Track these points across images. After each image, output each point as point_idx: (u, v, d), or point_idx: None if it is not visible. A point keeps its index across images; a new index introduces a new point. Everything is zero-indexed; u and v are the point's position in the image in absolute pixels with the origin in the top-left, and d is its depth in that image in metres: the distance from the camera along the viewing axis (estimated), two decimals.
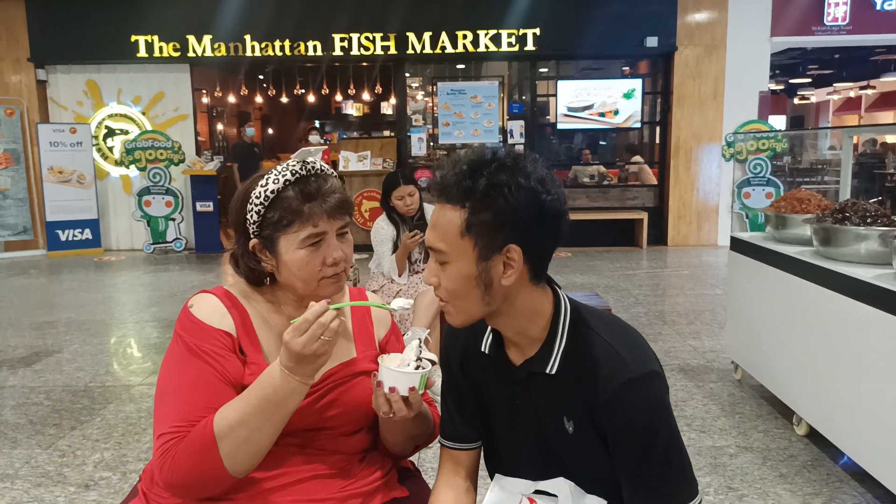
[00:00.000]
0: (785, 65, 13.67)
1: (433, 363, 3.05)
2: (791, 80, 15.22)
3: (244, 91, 12.34)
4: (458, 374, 1.27)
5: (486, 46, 8.38)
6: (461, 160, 1.07)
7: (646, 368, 1.05)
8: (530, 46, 8.37)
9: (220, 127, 13.88)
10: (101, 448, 3.03)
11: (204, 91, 11.75)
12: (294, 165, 1.24)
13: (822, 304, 2.67)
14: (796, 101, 17.39)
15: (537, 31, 8.32)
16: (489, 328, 1.20)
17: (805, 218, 3.03)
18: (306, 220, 1.21)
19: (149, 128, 8.84)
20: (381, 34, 8.37)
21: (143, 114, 8.88)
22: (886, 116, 16.31)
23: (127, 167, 8.73)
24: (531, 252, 1.06)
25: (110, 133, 8.92)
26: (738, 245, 3.56)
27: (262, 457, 1.16)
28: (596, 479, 1.13)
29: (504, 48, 8.39)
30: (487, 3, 8.31)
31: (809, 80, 15.12)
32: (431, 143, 8.99)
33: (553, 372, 1.10)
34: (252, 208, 1.24)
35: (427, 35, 8.36)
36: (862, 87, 15.15)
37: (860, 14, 8.19)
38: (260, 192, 1.23)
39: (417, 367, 1.15)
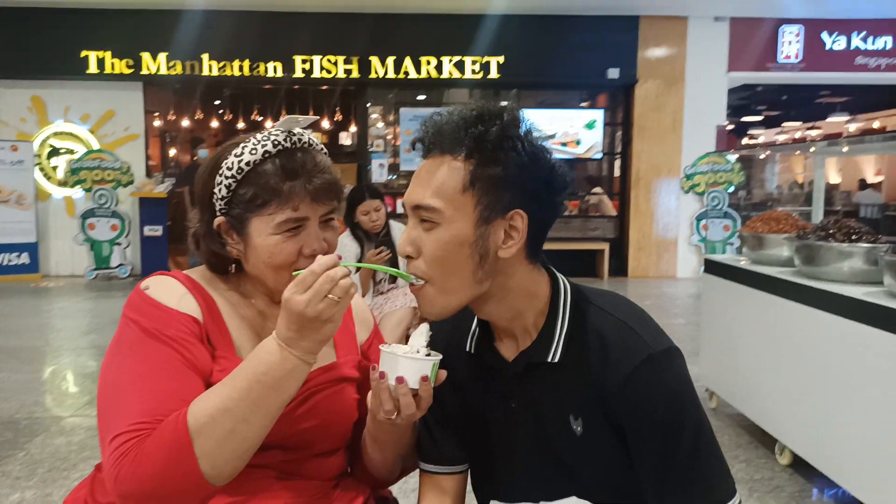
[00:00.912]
0: (735, 105, 14.06)
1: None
2: (743, 119, 15.67)
3: (199, 115, 12.01)
4: (446, 384, 1.07)
5: (450, 73, 8.34)
6: (466, 108, 0.91)
7: (665, 344, 0.91)
8: (494, 74, 8.36)
9: (172, 152, 13.46)
10: (21, 486, 2.69)
11: (157, 113, 11.38)
12: (277, 135, 1.04)
13: (809, 324, 2.56)
14: (745, 140, 17.92)
15: (501, 59, 8.32)
16: (474, 324, 1.03)
17: (787, 237, 2.95)
18: (285, 201, 1.02)
19: (96, 147, 8.45)
20: (344, 57, 8.24)
21: (92, 132, 8.49)
22: (832, 159, 16.93)
23: (71, 187, 8.30)
24: (534, 222, 0.91)
25: (54, 152, 8.48)
26: (713, 267, 3.46)
27: (247, 459, 0.93)
28: (614, 491, 0.94)
29: (468, 75, 8.36)
30: (452, 30, 8.29)
31: (761, 117, 15.60)
32: (391, 176, 8.83)
33: (556, 360, 0.94)
34: (222, 181, 1.04)
35: (391, 59, 8.27)
36: (809, 128, 15.69)
37: (812, 52, 8.46)
38: (233, 163, 1.03)
39: (428, 355, 0.95)
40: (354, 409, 1.14)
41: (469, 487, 1.12)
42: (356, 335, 1.20)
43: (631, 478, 0.93)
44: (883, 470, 2.18)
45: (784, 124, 16.33)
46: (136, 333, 0.99)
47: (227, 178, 1.04)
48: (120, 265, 8.27)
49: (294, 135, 1.05)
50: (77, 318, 6.07)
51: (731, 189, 8.62)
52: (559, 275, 1.00)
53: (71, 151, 8.46)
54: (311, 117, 1.07)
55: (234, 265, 1.12)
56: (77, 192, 8.36)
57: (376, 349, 1.19)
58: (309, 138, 1.07)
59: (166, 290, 1.04)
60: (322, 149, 1.10)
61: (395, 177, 8.89)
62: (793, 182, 16.87)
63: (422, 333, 0.96)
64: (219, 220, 1.06)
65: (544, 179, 0.91)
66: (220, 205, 1.06)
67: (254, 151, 1.03)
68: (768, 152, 16.39)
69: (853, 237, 2.54)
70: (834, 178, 15.52)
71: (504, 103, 0.92)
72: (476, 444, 1.06)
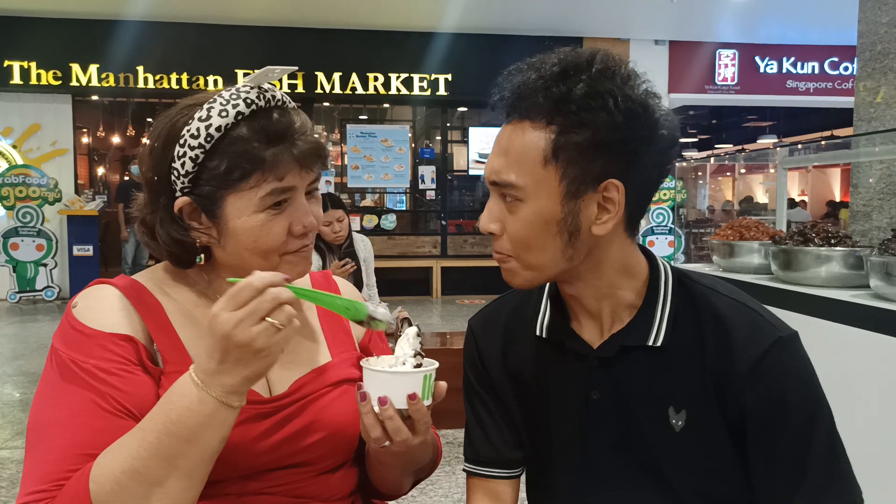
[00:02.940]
0: None
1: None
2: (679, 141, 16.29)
3: (132, 131, 11.51)
4: (496, 374, 0.94)
5: (398, 89, 8.25)
6: (548, 61, 0.78)
7: (789, 329, 0.81)
8: (442, 91, 8.32)
9: (101, 170, 12.83)
10: None
11: (87, 129, 10.83)
12: (248, 92, 0.86)
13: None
14: (677, 164, 18.59)
15: (449, 76, 8.30)
16: (544, 304, 0.91)
17: (761, 243, 2.95)
18: (268, 170, 0.84)
19: (20, 162, 7.92)
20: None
21: (14, 147, 7.96)
22: (756, 178, 17.76)
23: None
24: (634, 191, 0.79)
25: None
26: None
27: None
28: (705, 497, 0.83)
29: (416, 92, 8.29)
30: (400, 47, 8.22)
31: (695, 139, 16.23)
32: (336, 192, 8.64)
33: (659, 344, 0.82)
34: (185, 153, 0.85)
35: (337, 75, 8.12)
36: (738, 151, 16.40)
37: (746, 75, 8.82)
38: (199, 130, 0.84)
39: (418, 366, 0.80)
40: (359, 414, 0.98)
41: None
42: (352, 330, 1.04)
43: (727, 480, 0.82)
44: (875, 474, 2.15)
45: (716, 147, 17.02)
46: (54, 370, 0.83)
47: (192, 148, 0.85)
48: (46, 287, 7.72)
49: (267, 91, 0.88)
50: (0, 344, 5.59)
51: (672, 206, 8.82)
52: (654, 253, 0.89)
53: None
54: (288, 67, 0.88)
55: (202, 255, 0.94)
56: None
57: (377, 343, 1.06)
58: (283, 96, 0.90)
59: (97, 305, 0.87)
60: (295, 106, 0.93)
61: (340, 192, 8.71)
62: (725, 201, 17.54)
63: (409, 339, 0.82)
64: (182, 200, 0.87)
65: (645, 138, 0.77)
66: (182, 182, 0.86)
67: (224, 114, 0.84)
68: (701, 173, 17.04)
69: (832, 241, 2.55)
70: (761, 198, 16.22)
71: (593, 49, 0.79)
72: (539, 443, 0.92)
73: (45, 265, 7.73)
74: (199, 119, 0.85)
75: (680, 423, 0.82)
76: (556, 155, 0.76)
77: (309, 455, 0.89)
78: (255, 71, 0.87)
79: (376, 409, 0.77)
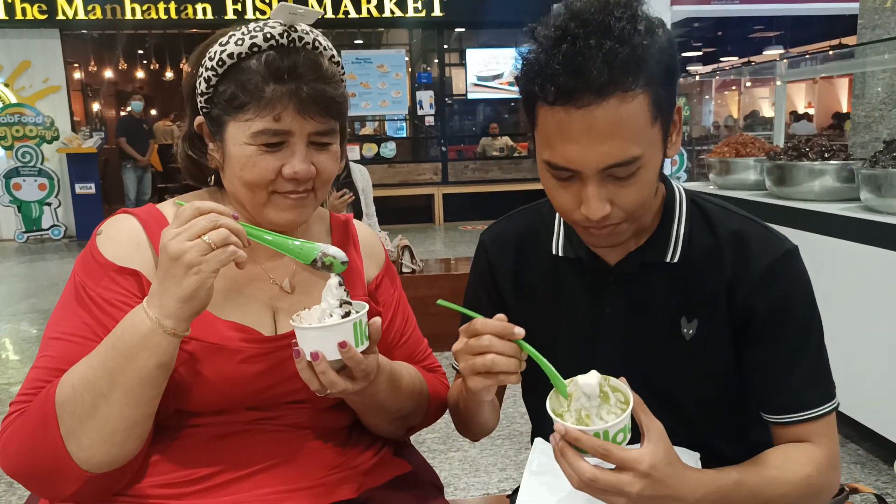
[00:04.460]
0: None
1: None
2: (683, 55, 15.84)
3: (123, 65, 11.27)
4: (507, 287, 0.99)
5: (392, 11, 8.02)
6: (594, 30, 0.73)
7: (793, 243, 0.88)
8: (437, 12, 8.09)
9: (96, 107, 12.66)
10: None
11: (77, 64, 10.62)
12: (273, 27, 0.87)
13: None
14: (681, 79, 18.12)
15: None
16: (558, 224, 0.95)
17: (756, 160, 2.95)
18: (264, 107, 0.85)
19: (14, 101, 7.83)
20: None
21: (6, 85, 7.86)
22: (763, 91, 17.35)
23: None
24: None
25: None
26: None
27: (125, 441, 0.80)
28: (707, 404, 0.91)
29: (410, 13, 8.06)
30: None
31: (700, 53, 15.80)
32: None
33: (676, 260, 0.89)
34: (203, 72, 0.89)
35: None
36: (744, 63, 15.99)
37: None
38: (215, 53, 0.88)
39: (347, 315, 0.81)
40: None
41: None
42: (363, 271, 1.05)
43: (725, 386, 0.90)
44: (883, 387, 2.24)
45: (721, 59, 16.58)
46: (69, 289, 0.89)
47: (207, 69, 0.88)
48: (53, 226, 7.80)
49: (295, 31, 0.88)
50: (11, 284, 5.70)
51: None
52: (666, 175, 0.93)
53: None
54: (314, 11, 0.90)
55: (212, 177, 0.98)
56: None
57: (387, 288, 1.08)
58: (315, 39, 0.90)
59: (115, 235, 0.91)
60: (332, 55, 0.92)
61: None
62: (727, 116, 17.23)
63: (332, 290, 0.82)
64: (199, 119, 0.93)
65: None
66: (201, 102, 0.91)
67: (240, 42, 0.87)
68: (704, 87, 16.66)
69: (826, 155, 2.55)
70: (767, 111, 15.92)
71: None
72: (543, 354, 0.97)
73: (49, 204, 7.77)
74: (220, 44, 0.88)
75: (691, 331, 0.88)
76: (659, 109, 0.76)
77: (306, 394, 0.91)
78: (283, 3, 0.87)
79: (312, 363, 0.79)
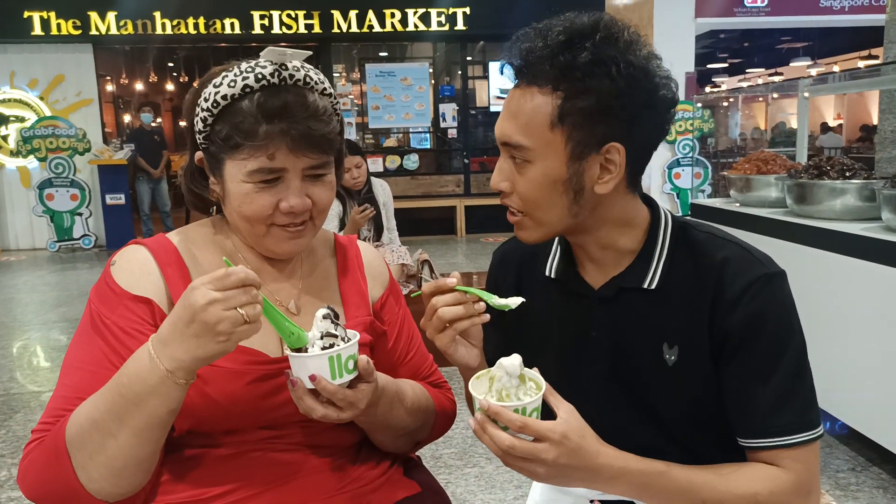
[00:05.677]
0: (699, 53, 14.04)
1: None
2: (708, 66, 15.71)
3: (153, 78, 11.53)
4: (508, 311, 1.02)
5: (416, 25, 8.11)
6: (554, 28, 0.83)
7: (778, 268, 0.89)
8: (461, 26, 8.15)
9: (127, 118, 12.93)
10: (7, 465, 2.59)
11: (109, 77, 10.89)
12: (264, 67, 0.90)
13: (804, 262, 2.56)
14: (708, 89, 18.00)
15: (467, 10, 8.11)
16: (555, 247, 0.99)
17: (777, 177, 2.94)
18: (259, 147, 0.89)
19: (48, 114, 8.05)
20: (305, 11, 7.94)
21: (41, 99, 8.09)
22: (791, 103, 17.14)
23: (24, 157, 7.92)
24: (634, 151, 0.85)
25: (3, 120, 8.07)
26: (700, 212, 3.45)
27: (134, 475, 0.84)
28: (692, 424, 0.91)
29: (434, 27, 8.14)
30: None
31: (725, 65, 15.66)
32: (360, 133, 8.63)
33: (653, 287, 0.91)
34: (199, 112, 0.93)
35: (353, 13, 7.99)
36: (771, 74, 15.80)
37: None
38: (210, 95, 0.91)
39: (330, 346, 0.83)
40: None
41: None
42: (367, 292, 1.08)
43: (710, 407, 0.90)
44: (885, 401, 2.22)
45: (747, 71, 16.43)
46: (86, 317, 0.93)
47: (203, 110, 0.92)
48: (83, 236, 7.98)
49: (285, 69, 0.90)
50: (43, 293, 5.85)
51: (699, 135, 8.64)
52: (660, 205, 0.96)
53: (21, 119, 8.05)
54: (302, 51, 0.92)
55: (214, 207, 1.03)
56: (32, 162, 7.99)
57: (392, 307, 1.11)
58: (306, 75, 0.92)
59: (128, 266, 0.95)
60: (324, 89, 0.95)
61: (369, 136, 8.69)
62: (754, 128, 17.04)
63: (317, 322, 0.84)
64: (199, 154, 0.97)
65: (645, 103, 0.83)
66: (199, 139, 0.95)
67: (233, 84, 0.89)
68: (731, 100, 16.51)
69: (847, 174, 2.53)
70: (795, 123, 15.72)
71: (597, 15, 0.84)
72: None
73: (80, 214, 7.96)
74: (214, 85, 0.91)
75: (673, 357, 0.90)
76: (562, 119, 0.82)
77: None
78: (271, 47, 0.91)
79: (289, 388, 0.85)
